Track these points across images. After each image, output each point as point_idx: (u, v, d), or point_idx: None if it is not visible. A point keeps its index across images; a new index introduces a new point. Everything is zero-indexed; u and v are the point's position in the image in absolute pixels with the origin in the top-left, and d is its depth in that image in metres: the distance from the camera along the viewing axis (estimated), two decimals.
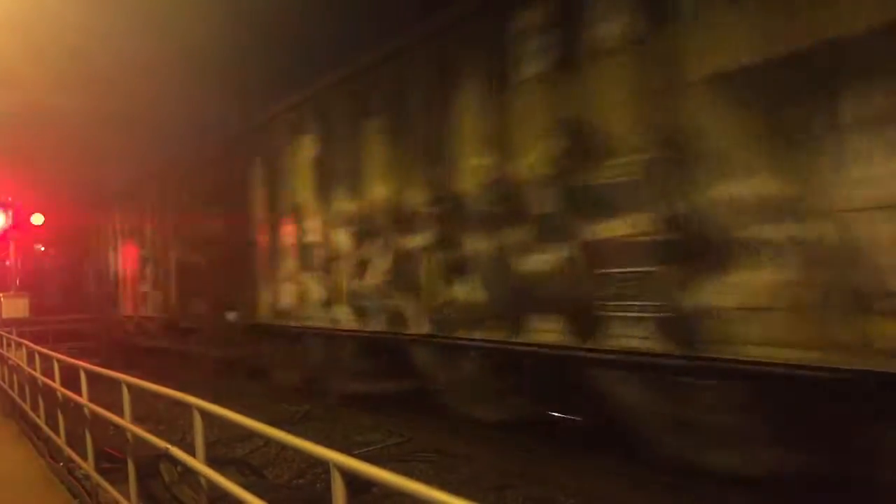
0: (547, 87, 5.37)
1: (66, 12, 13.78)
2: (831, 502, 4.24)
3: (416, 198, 6.87)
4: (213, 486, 3.49)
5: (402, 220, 7.06)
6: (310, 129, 8.85)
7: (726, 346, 4.13)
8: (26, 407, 8.09)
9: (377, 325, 7.40)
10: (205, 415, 3.65)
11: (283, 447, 5.74)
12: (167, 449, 3.99)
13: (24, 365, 8.35)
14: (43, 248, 24.72)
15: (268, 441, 6.68)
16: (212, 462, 3.72)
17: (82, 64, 15.55)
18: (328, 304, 8.34)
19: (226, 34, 13.57)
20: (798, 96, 3.76)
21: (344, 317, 8.02)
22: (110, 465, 6.18)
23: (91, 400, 5.50)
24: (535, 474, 5.78)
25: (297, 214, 9.12)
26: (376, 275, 7.47)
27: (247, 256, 10.47)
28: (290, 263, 9.29)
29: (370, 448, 6.94)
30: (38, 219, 20.73)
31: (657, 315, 4.50)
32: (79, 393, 5.67)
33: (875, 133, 3.45)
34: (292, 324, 9.15)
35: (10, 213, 19.61)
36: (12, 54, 14.70)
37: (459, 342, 6.31)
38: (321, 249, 8.56)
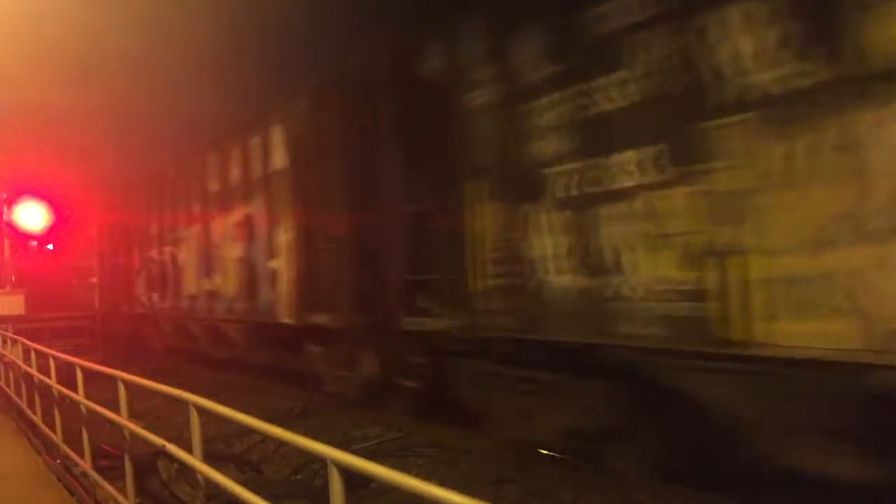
0: None
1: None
2: None
3: None
4: (210, 483, 3.49)
5: None
6: None
7: None
8: (23, 404, 8.07)
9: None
10: (202, 411, 3.64)
11: (281, 443, 5.71)
12: (164, 446, 3.98)
13: (20, 362, 8.33)
14: (35, 244, 24.27)
15: (265, 437, 6.67)
16: (209, 458, 3.72)
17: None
18: None
19: None
20: None
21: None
22: (108, 462, 6.18)
23: (88, 398, 5.49)
24: (534, 468, 5.79)
25: None
26: None
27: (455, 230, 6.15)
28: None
29: (368, 443, 6.93)
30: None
31: None
32: (76, 391, 5.65)
33: None
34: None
35: (6, 208, 19.49)
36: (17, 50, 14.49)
37: None
38: None
